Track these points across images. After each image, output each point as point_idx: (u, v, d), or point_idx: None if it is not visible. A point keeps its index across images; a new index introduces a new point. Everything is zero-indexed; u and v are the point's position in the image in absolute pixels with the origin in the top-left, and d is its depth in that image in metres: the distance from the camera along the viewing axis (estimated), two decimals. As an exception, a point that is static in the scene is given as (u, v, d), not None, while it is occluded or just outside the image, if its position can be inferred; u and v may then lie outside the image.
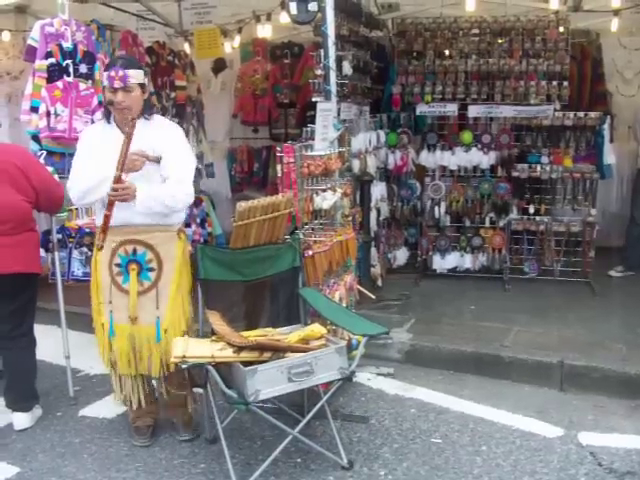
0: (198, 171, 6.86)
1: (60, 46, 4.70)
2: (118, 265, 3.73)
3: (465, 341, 5.16)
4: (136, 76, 3.59)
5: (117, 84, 3.53)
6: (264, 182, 8.63)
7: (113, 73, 3.54)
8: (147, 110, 3.74)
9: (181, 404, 4.02)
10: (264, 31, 7.52)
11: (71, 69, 4.73)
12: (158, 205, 3.57)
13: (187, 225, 6.29)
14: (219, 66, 8.21)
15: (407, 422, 4.23)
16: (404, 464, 3.74)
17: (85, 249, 5.05)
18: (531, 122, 6.70)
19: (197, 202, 6.78)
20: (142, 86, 3.65)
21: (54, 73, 4.69)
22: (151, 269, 3.73)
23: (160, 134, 3.71)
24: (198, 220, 6.65)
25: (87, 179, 3.59)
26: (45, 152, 4.70)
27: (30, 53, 4.79)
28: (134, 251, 3.70)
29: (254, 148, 8.75)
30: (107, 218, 3.56)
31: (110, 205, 3.53)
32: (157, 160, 3.60)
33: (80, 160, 3.70)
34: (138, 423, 4.04)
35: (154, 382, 4.02)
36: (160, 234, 3.72)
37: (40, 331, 4.44)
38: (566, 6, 6.64)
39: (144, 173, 3.58)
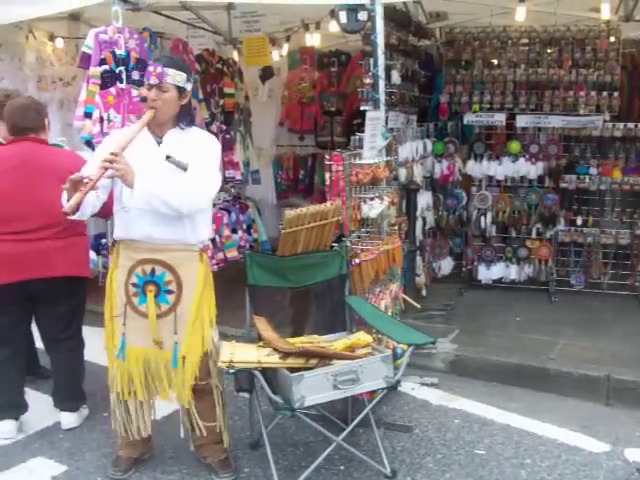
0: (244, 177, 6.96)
1: (113, 53, 4.78)
2: (135, 285, 3.51)
3: (510, 353, 5.13)
4: (174, 76, 3.36)
5: (153, 80, 3.34)
6: (309, 189, 8.63)
7: (152, 68, 3.36)
8: (184, 118, 3.51)
9: (216, 440, 3.76)
10: (313, 40, 7.55)
11: (124, 76, 4.81)
12: (159, 202, 3.28)
13: (233, 231, 6.35)
14: (267, 74, 8.24)
15: (451, 433, 4.22)
16: (447, 475, 3.73)
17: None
18: (580, 133, 6.65)
19: (243, 208, 6.84)
20: (180, 90, 3.41)
21: (107, 80, 4.76)
22: (169, 291, 3.50)
23: (193, 146, 3.47)
24: (244, 226, 6.69)
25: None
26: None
27: (84, 60, 4.86)
28: (152, 271, 3.48)
29: (300, 155, 8.77)
30: (90, 183, 3.16)
31: (101, 172, 3.20)
32: (183, 167, 3.35)
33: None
34: (121, 452, 3.81)
35: (184, 420, 3.77)
36: (181, 254, 3.49)
37: (88, 333, 4.51)
38: (617, 16, 6.54)
39: (163, 175, 3.34)
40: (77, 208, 3.21)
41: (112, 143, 3.42)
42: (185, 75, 3.44)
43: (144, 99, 3.43)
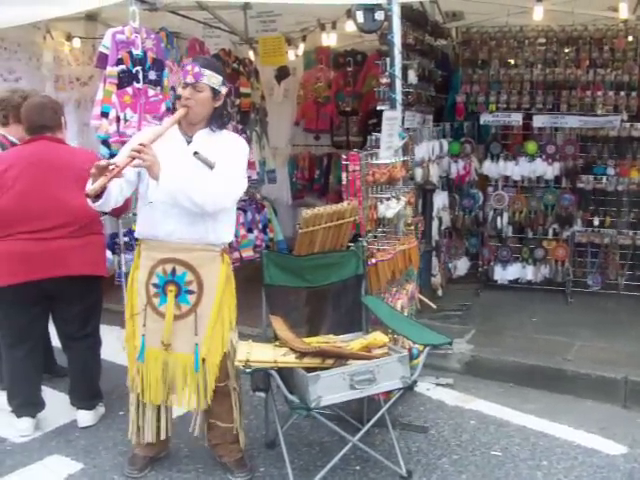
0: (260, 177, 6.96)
1: (130, 53, 4.78)
2: (155, 285, 3.52)
3: (526, 354, 5.11)
4: (210, 78, 3.40)
5: (189, 79, 3.37)
6: (325, 189, 8.62)
7: (189, 67, 3.40)
8: (216, 121, 3.52)
9: (232, 440, 3.76)
10: (329, 39, 7.54)
11: (140, 76, 4.80)
12: (183, 197, 3.28)
13: (249, 230, 6.36)
14: (282, 73, 8.24)
15: (467, 434, 4.21)
16: (463, 476, 3.72)
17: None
18: (597, 133, 6.62)
19: (259, 208, 6.84)
20: (215, 92, 3.44)
21: (124, 79, 4.76)
22: (190, 292, 3.49)
23: (222, 147, 3.48)
24: (260, 226, 6.70)
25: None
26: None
27: (101, 60, 4.86)
28: (173, 271, 3.48)
29: (315, 155, 8.77)
30: (116, 169, 3.16)
31: (128, 160, 3.21)
32: (210, 165, 3.34)
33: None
34: (137, 451, 3.81)
35: (198, 419, 3.79)
36: (202, 254, 3.49)
37: (105, 332, 4.52)
38: (635, 15, 6.49)
39: (190, 172, 3.33)
40: (100, 194, 3.22)
41: (142, 136, 3.46)
42: (221, 78, 3.48)
43: (178, 97, 3.46)
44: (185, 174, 3.30)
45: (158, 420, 3.72)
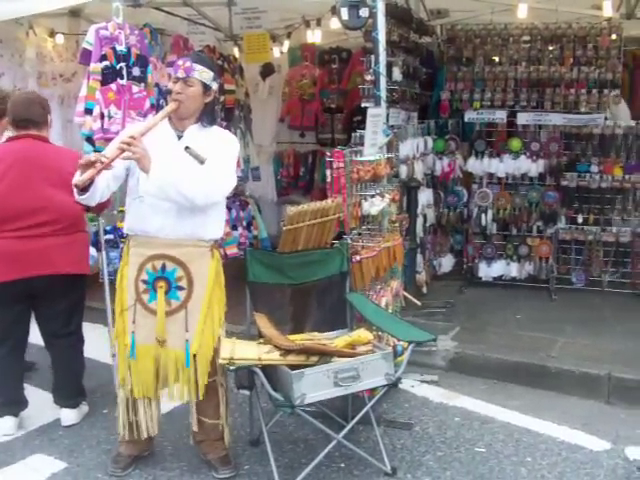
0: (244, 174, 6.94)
1: (114, 49, 4.75)
2: (145, 282, 3.50)
3: (510, 350, 5.12)
4: (201, 72, 3.41)
5: (180, 73, 3.38)
6: (310, 186, 8.60)
7: (181, 62, 3.42)
8: (206, 116, 3.53)
9: (217, 437, 3.74)
10: (314, 36, 7.54)
11: (124, 72, 4.78)
12: (173, 191, 3.26)
13: (233, 227, 6.35)
14: (267, 70, 8.23)
15: (451, 430, 4.21)
16: (448, 473, 3.72)
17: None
18: (581, 130, 6.63)
19: (243, 205, 6.83)
20: (206, 87, 3.45)
21: (108, 76, 4.73)
22: (180, 288, 3.49)
23: (213, 142, 3.48)
24: (244, 223, 6.68)
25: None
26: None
27: (85, 56, 4.83)
28: (163, 267, 3.47)
29: (300, 152, 8.74)
30: (105, 161, 3.17)
31: (117, 152, 3.21)
32: (201, 160, 3.33)
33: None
34: (121, 449, 3.78)
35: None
36: (192, 250, 3.49)
37: (88, 329, 4.49)
38: (619, 13, 6.54)
39: (180, 166, 3.32)
40: (88, 186, 3.21)
41: (132, 130, 3.45)
42: (212, 74, 3.49)
43: (169, 91, 3.47)
44: (176, 168, 3.30)
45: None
